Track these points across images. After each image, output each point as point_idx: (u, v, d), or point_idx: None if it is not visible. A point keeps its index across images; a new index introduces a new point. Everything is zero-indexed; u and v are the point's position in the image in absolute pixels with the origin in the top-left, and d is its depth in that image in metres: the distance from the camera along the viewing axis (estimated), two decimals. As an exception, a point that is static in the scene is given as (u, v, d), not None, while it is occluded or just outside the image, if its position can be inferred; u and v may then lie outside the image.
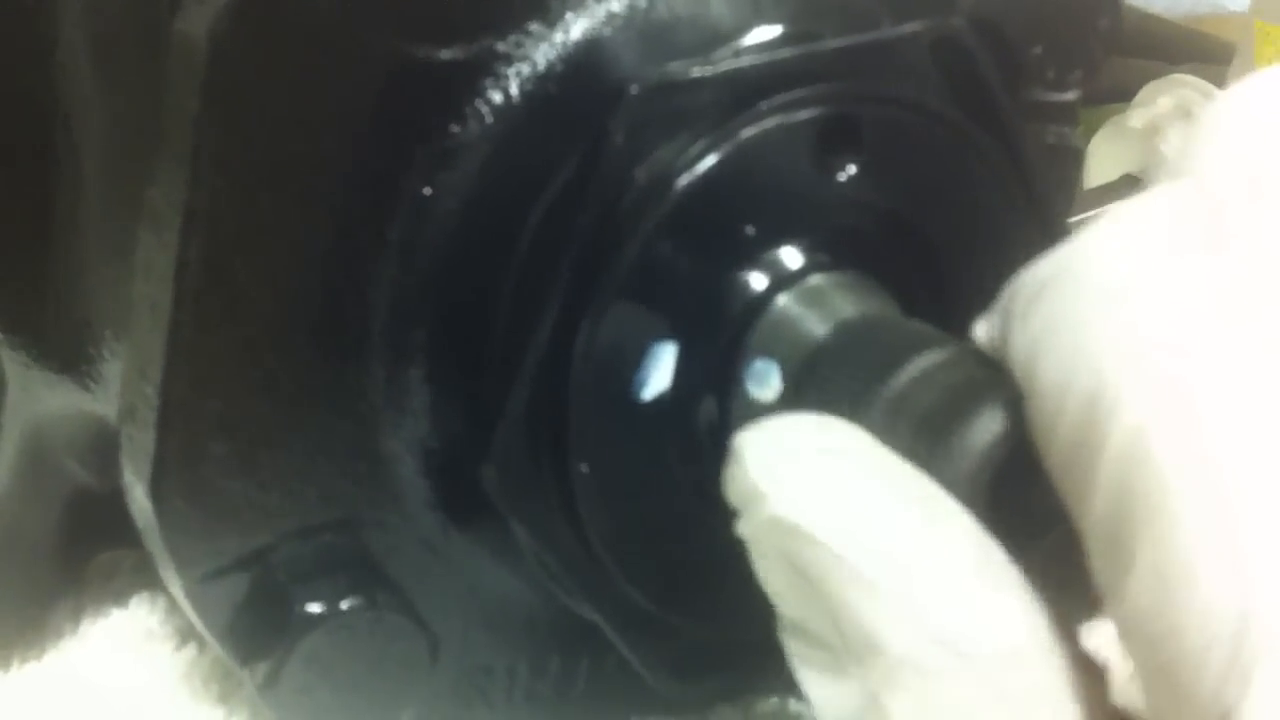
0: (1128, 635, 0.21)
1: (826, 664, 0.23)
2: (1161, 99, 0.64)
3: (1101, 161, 0.64)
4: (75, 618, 0.40)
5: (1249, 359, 0.21)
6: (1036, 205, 0.31)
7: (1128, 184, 0.62)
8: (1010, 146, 0.30)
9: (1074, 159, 0.36)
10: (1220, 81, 0.67)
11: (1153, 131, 0.63)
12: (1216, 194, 0.23)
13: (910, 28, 0.29)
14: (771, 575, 0.24)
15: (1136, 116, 0.64)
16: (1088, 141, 0.64)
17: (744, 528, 0.24)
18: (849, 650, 0.22)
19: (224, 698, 0.35)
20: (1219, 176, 0.23)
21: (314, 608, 0.30)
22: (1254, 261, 0.22)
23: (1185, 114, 0.63)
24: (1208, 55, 0.73)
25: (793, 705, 0.35)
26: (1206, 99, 0.63)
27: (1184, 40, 0.77)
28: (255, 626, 0.30)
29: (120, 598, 0.40)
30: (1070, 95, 0.35)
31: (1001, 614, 0.22)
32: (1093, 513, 0.21)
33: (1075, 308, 0.22)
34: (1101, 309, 0.22)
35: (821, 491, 0.23)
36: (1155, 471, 0.20)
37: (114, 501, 0.34)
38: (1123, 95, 0.66)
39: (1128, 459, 0.21)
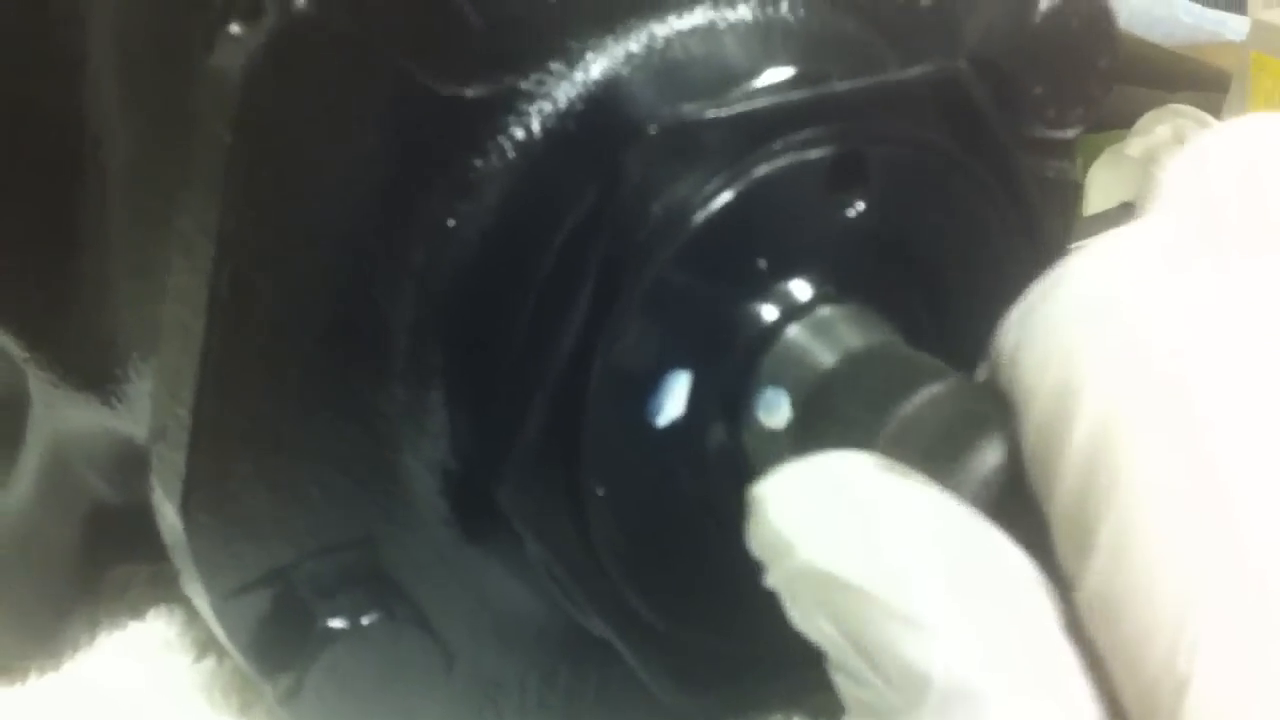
0: (1090, 620, 0.22)
1: (873, 703, 0.23)
2: (1159, 128, 0.65)
3: (1100, 189, 0.65)
4: (91, 630, 0.40)
5: (1238, 361, 0.21)
6: (1036, 238, 0.32)
7: (1125, 212, 0.63)
8: (1011, 182, 0.31)
9: (1072, 192, 0.37)
10: (1216, 110, 0.68)
11: (1150, 160, 0.64)
12: (1211, 217, 0.24)
13: (916, 70, 0.30)
14: (808, 623, 0.24)
15: (1134, 145, 0.65)
16: (1086, 169, 0.65)
17: (773, 579, 0.24)
18: (894, 689, 0.22)
19: (244, 709, 0.36)
20: (1212, 202, 0.24)
21: (335, 622, 0.31)
22: (1254, 279, 0.23)
23: (1182, 143, 0.64)
24: (1205, 84, 0.74)
25: (797, 721, 0.36)
26: (1203, 128, 0.64)
27: (1181, 69, 0.78)
28: (278, 641, 0.31)
29: (136, 610, 0.41)
30: (1070, 133, 0.36)
31: (1038, 635, 0.22)
32: (1057, 499, 0.22)
33: (1057, 311, 0.23)
34: (1081, 310, 0.23)
35: (848, 535, 0.23)
36: (1120, 458, 0.21)
37: (132, 516, 0.35)
38: (1120, 122, 0.67)
39: (1094, 446, 0.21)
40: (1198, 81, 0.75)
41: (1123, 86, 0.72)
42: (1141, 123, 0.66)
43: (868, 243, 0.31)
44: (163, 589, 0.40)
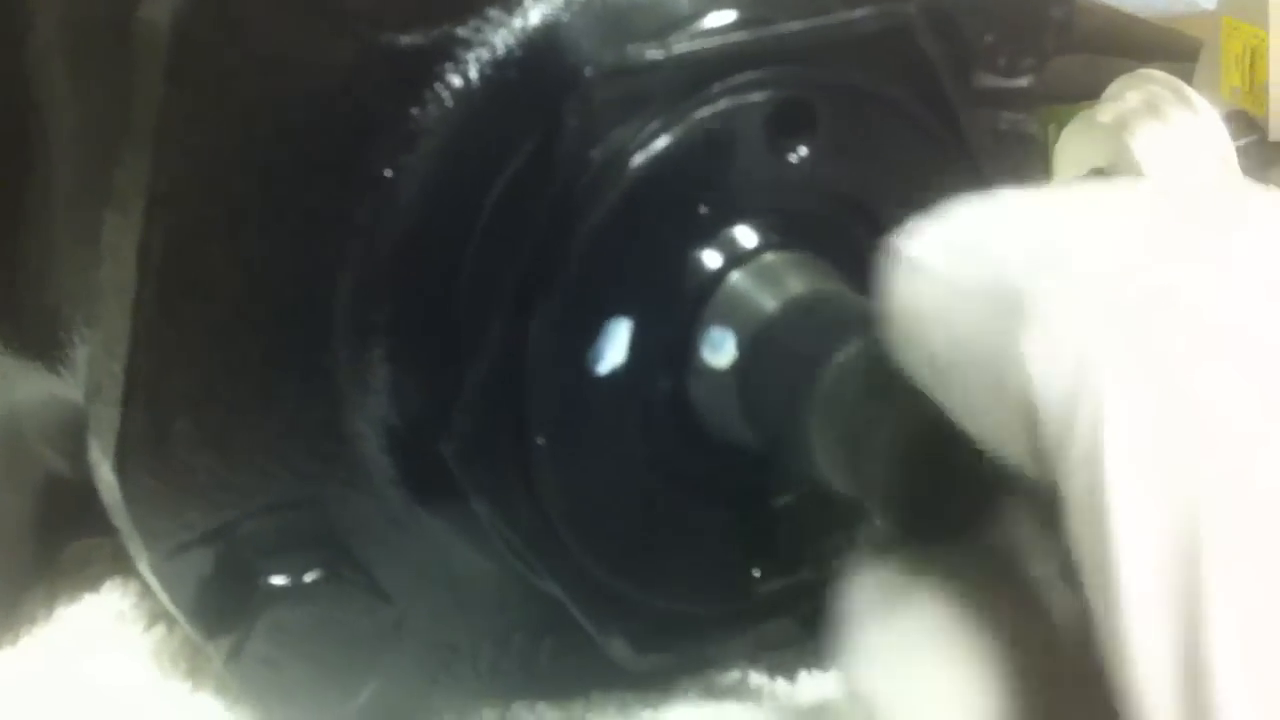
0: None
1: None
2: (1130, 94, 0.65)
3: (1070, 156, 0.64)
4: (49, 604, 0.40)
5: None
6: (986, 187, 0.32)
7: (1096, 178, 0.63)
8: (957, 130, 0.31)
9: (1027, 145, 0.37)
10: (1188, 77, 0.68)
11: (1121, 126, 0.63)
12: None
13: (861, 13, 0.30)
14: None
15: (1105, 111, 0.64)
16: (1056, 137, 0.65)
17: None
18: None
19: (191, 673, 0.36)
20: None
21: (277, 581, 0.31)
22: None
23: (1153, 109, 0.64)
24: (1176, 52, 0.74)
25: (753, 679, 0.36)
26: (1175, 94, 0.64)
27: (1152, 37, 0.78)
28: (220, 600, 0.31)
29: (94, 585, 0.40)
30: (1022, 82, 0.35)
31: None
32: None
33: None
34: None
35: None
36: None
37: (87, 489, 0.34)
38: (1092, 93, 0.67)
39: None
40: (1169, 49, 0.75)
41: (1094, 56, 0.72)
42: (1113, 89, 0.65)
43: (814, 190, 0.31)
44: (122, 564, 0.40)
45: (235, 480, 0.31)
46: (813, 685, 0.36)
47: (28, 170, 0.36)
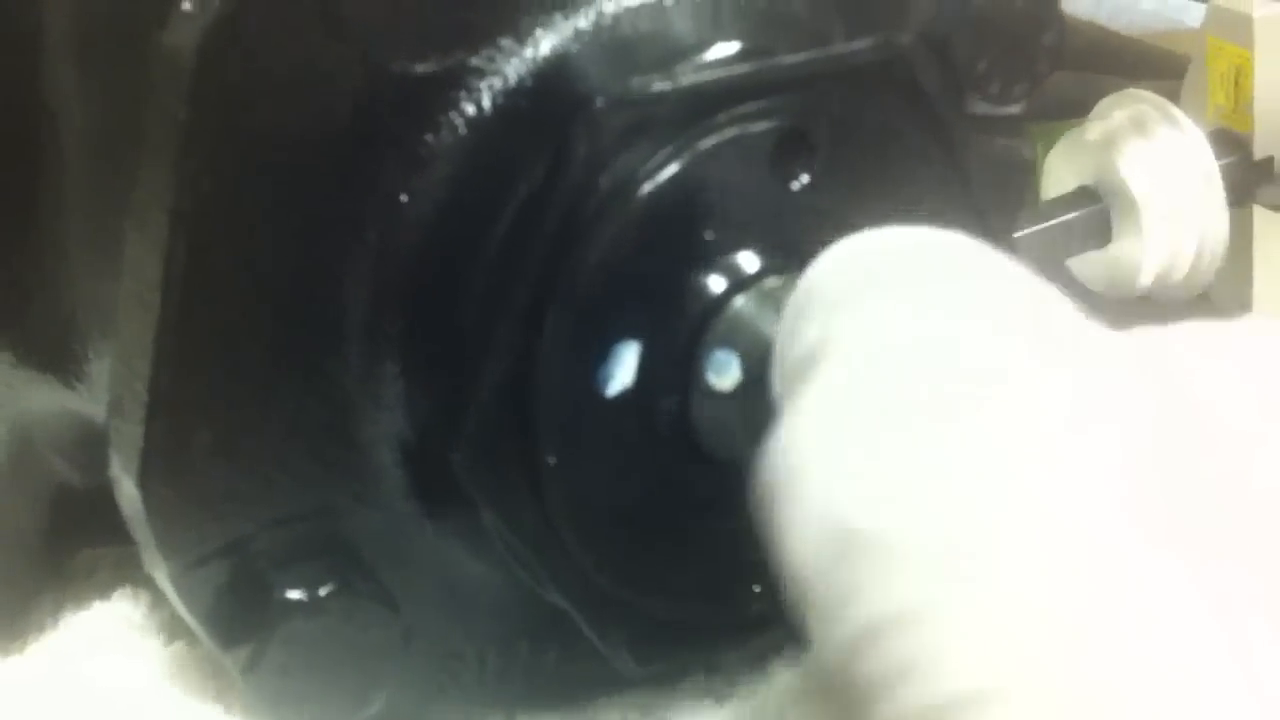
0: None
1: None
2: (1116, 113, 0.66)
3: (1057, 174, 0.65)
4: (57, 611, 0.40)
5: None
6: (981, 214, 0.33)
7: (1083, 195, 0.64)
8: (954, 157, 0.32)
9: (1021, 170, 0.38)
10: (1174, 95, 0.69)
11: (1108, 144, 0.64)
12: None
13: (859, 45, 0.31)
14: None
15: (1092, 130, 0.65)
16: (1044, 155, 0.66)
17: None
18: None
19: (201, 681, 0.36)
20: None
21: (293, 594, 0.31)
22: None
23: (1140, 128, 0.65)
24: (1162, 69, 0.75)
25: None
26: (1161, 113, 0.65)
27: (1139, 55, 0.78)
28: (236, 612, 0.32)
29: (103, 593, 0.41)
30: (1015, 109, 0.36)
31: None
32: None
33: None
34: None
35: None
36: None
37: (96, 499, 0.35)
38: (1080, 110, 0.68)
39: None
40: (1155, 67, 0.76)
41: (1081, 73, 0.73)
42: (1100, 107, 0.66)
43: (815, 215, 0.31)
44: (129, 571, 0.40)
45: (251, 492, 0.32)
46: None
47: (39, 181, 0.37)
